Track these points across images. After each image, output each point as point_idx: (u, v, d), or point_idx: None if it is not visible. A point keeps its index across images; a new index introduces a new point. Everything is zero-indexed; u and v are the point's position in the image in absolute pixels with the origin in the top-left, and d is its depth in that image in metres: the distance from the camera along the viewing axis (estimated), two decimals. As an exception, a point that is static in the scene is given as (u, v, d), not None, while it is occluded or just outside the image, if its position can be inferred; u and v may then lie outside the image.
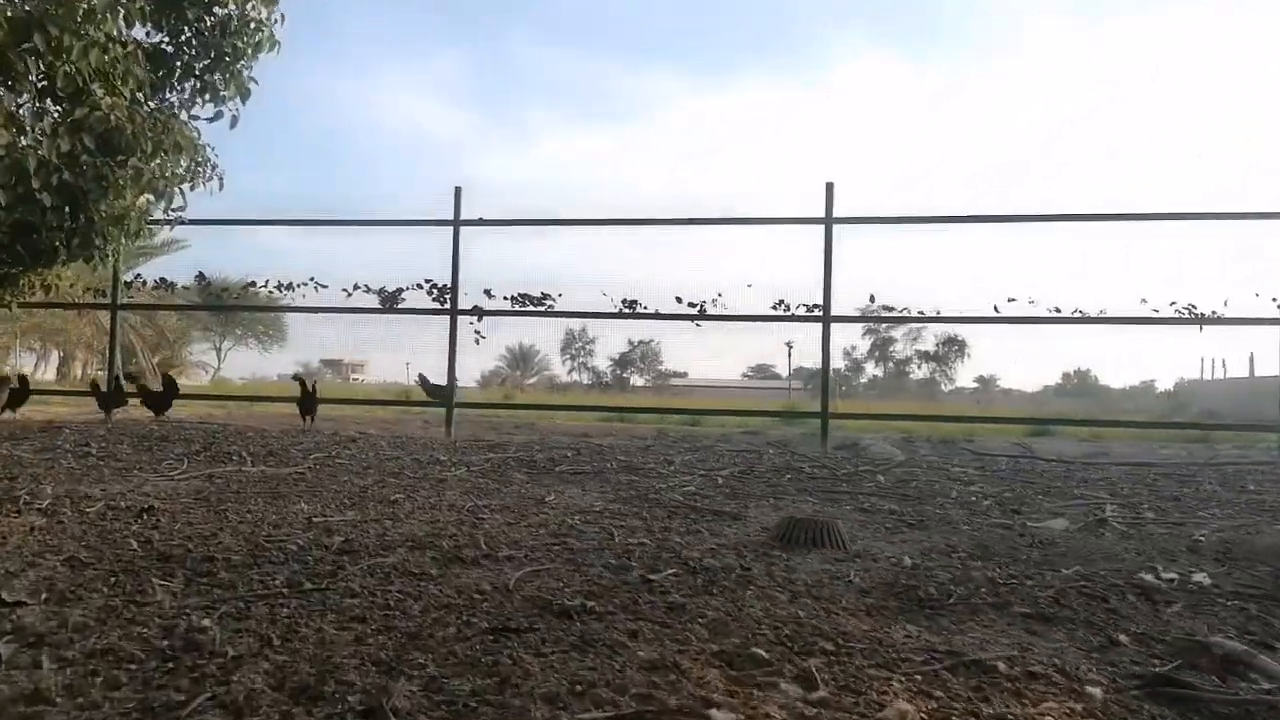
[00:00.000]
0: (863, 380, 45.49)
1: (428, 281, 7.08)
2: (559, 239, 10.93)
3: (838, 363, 36.69)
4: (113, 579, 1.91)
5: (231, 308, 7.79)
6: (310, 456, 4.59)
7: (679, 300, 6.86)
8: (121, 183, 5.16)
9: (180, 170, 5.41)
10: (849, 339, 57.87)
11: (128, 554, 2.16)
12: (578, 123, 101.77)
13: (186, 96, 5.47)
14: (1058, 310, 6.40)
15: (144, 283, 7.73)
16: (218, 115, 5.52)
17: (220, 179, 5.75)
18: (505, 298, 7.03)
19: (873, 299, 6.82)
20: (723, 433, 8.40)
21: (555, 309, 7.08)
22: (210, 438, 5.33)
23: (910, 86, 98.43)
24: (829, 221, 6.61)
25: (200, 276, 7.49)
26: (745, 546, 2.52)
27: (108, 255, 6.19)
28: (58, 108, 4.95)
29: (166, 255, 15.45)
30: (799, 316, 6.71)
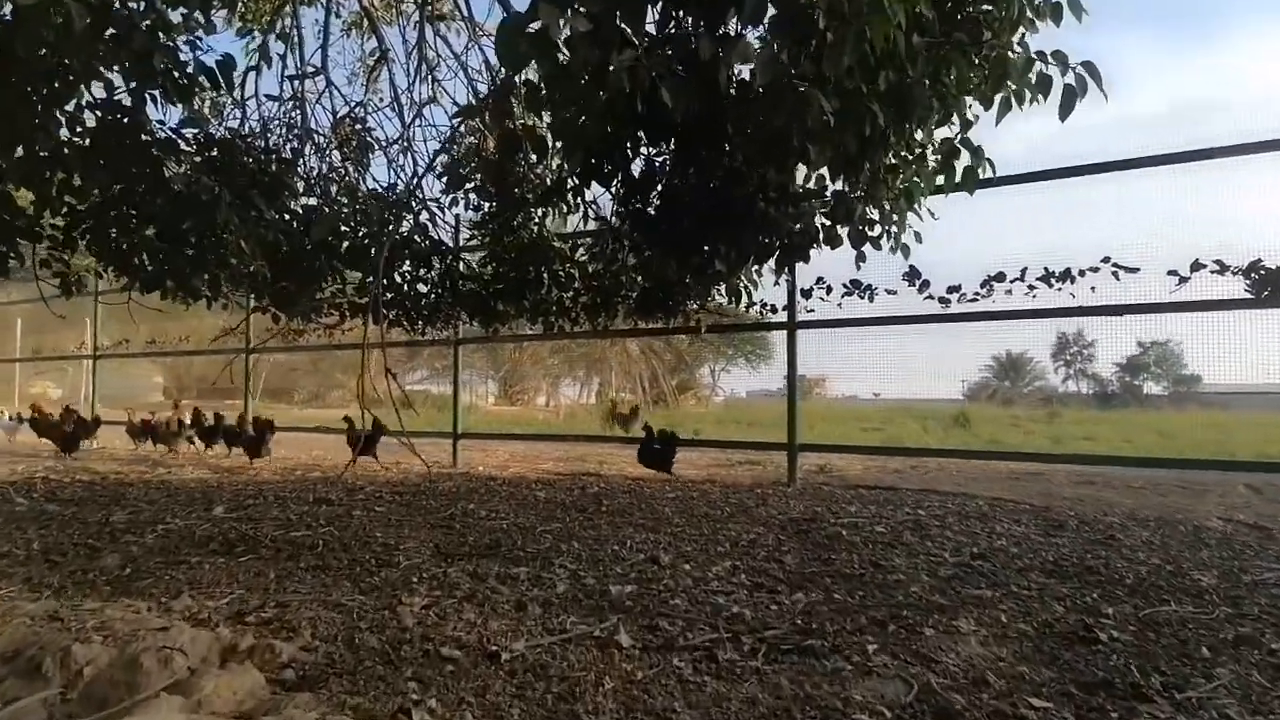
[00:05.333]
0: None
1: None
2: None
3: None
4: None
5: (964, 317, 4.95)
6: None
7: None
8: (960, 82, 2.79)
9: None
10: None
11: None
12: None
13: None
14: None
15: (827, 288, 5.16)
16: None
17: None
18: None
19: None
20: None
21: None
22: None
23: None
24: None
25: (911, 273, 4.87)
26: None
27: (896, 224, 3.69)
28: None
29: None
30: None
